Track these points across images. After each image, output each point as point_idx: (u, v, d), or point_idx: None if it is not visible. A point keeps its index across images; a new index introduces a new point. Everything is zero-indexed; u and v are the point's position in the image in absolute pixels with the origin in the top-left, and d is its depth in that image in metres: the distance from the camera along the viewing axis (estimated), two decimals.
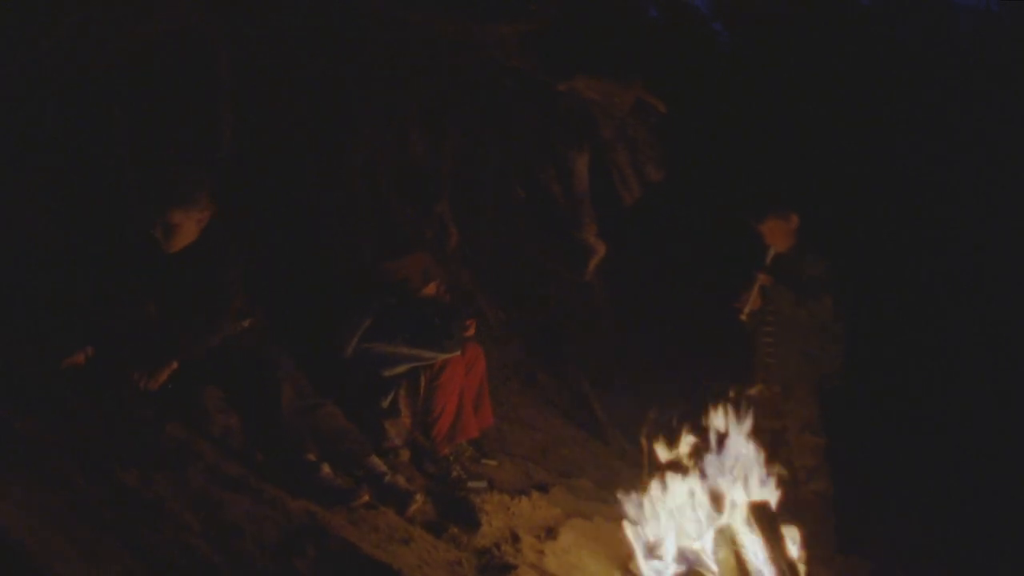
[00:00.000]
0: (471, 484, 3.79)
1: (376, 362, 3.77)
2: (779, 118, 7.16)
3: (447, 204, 5.19)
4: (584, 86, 5.05)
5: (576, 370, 5.84)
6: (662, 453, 3.67)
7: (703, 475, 3.39)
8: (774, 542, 3.02)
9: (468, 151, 5.50)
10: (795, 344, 4.55)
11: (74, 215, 3.52)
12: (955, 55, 8.21)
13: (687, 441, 3.65)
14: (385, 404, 3.75)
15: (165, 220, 3.07)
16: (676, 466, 3.49)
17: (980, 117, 7.24)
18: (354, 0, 4.29)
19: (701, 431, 3.64)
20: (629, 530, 3.27)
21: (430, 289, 4.12)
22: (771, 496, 3.31)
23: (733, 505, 3.21)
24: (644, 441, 3.82)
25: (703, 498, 3.28)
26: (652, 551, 3.20)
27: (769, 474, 3.42)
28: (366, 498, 3.07)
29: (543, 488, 4.06)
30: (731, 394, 3.93)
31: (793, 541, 3.22)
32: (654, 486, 3.36)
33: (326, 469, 3.08)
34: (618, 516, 3.40)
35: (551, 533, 3.53)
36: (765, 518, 3.09)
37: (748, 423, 3.59)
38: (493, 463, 4.23)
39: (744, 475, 3.35)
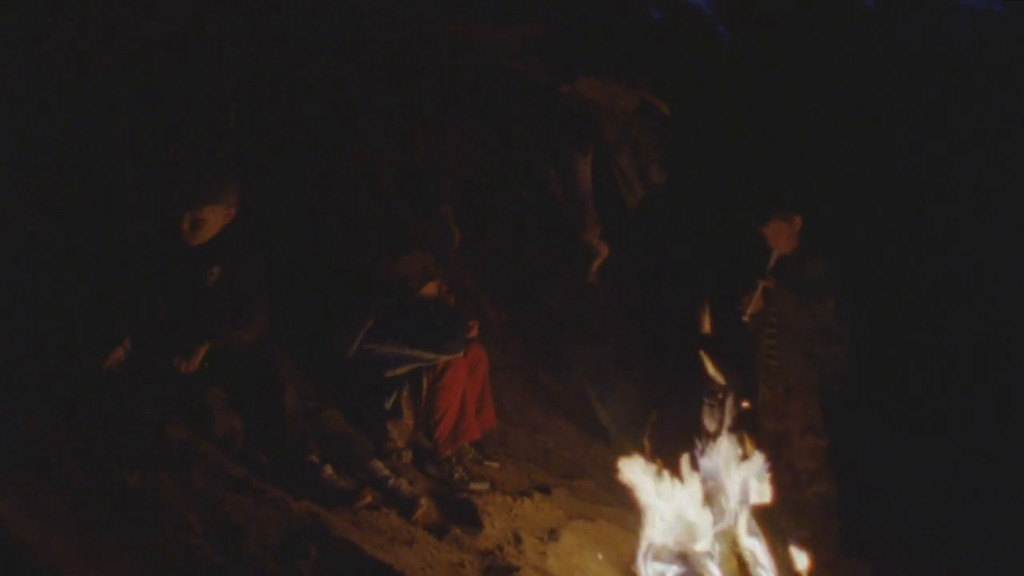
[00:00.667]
0: (473, 486, 3.79)
1: (378, 363, 3.76)
2: (780, 119, 7.15)
3: (449, 205, 5.19)
4: (587, 88, 5.04)
5: (578, 372, 5.83)
6: (664, 454, 3.66)
7: (704, 477, 3.38)
8: (775, 545, 3.01)
9: (469, 152, 5.49)
10: (797, 346, 4.53)
11: (74, 215, 3.51)
12: (956, 55, 8.21)
13: (688, 442, 3.64)
14: (388, 405, 3.74)
15: (195, 215, 3.19)
16: (677, 467, 3.48)
17: (981, 117, 7.24)
18: (354, 0, 4.29)
19: (702, 432, 3.63)
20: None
21: (430, 288, 4.11)
22: (772, 498, 3.30)
23: (734, 507, 3.19)
24: (647, 443, 3.81)
25: (704, 500, 3.26)
26: (653, 553, 3.19)
27: (770, 476, 3.41)
28: (368, 499, 3.07)
29: (545, 490, 4.05)
30: (732, 396, 3.91)
31: (795, 544, 3.21)
32: (656, 487, 3.35)
33: (328, 470, 3.09)
34: (620, 518, 3.39)
35: (553, 535, 3.53)
36: (766, 520, 3.08)
37: (749, 425, 3.58)
38: (495, 465, 4.23)
39: (745, 477, 3.34)
